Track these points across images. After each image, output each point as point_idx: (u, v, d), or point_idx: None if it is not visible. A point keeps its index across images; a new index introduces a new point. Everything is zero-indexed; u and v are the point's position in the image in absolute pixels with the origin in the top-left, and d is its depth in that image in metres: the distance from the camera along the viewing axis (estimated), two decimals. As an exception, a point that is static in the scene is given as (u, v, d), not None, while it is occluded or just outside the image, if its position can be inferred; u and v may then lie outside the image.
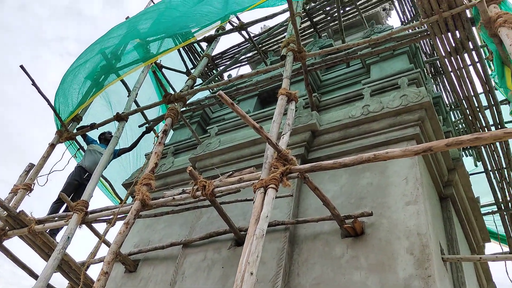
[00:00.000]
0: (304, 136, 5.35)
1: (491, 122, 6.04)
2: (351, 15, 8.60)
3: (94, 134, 7.36)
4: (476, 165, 9.71)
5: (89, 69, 7.12)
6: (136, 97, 7.52)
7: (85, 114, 6.98)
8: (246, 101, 7.29)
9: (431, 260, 3.59)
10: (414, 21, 8.85)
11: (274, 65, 5.13)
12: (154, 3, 9.64)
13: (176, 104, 5.67)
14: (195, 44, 9.03)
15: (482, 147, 8.21)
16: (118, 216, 4.75)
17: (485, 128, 6.40)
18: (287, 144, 4.04)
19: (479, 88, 5.69)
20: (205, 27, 6.07)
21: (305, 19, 8.30)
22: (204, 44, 8.14)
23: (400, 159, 4.61)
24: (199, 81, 8.30)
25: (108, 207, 4.94)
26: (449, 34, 4.80)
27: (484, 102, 6.55)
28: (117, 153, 6.94)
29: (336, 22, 7.87)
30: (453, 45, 4.76)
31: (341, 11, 7.95)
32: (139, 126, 7.22)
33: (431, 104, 4.81)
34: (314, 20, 8.32)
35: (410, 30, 4.97)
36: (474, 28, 4.66)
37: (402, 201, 4.20)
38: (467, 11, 4.63)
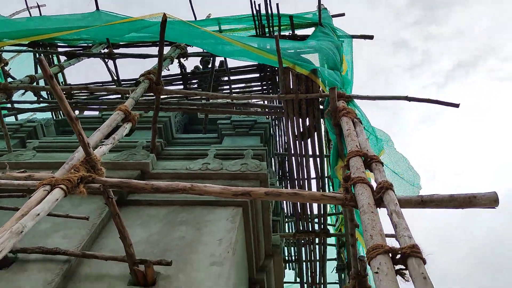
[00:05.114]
0: (131, 174, 4.78)
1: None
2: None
3: None
4: (295, 280, 9.95)
5: None
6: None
7: None
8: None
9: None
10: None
11: (124, 87, 4.70)
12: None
13: (-4, 92, 4.76)
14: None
15: (304, 262, 8.43)
16: None
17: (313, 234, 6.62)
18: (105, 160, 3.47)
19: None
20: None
21: (180, 82, 8.24)
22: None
23: (220, 221, 4.31)
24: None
25: None
26: (300, 120, 5.01)
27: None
28: None
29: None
30: (301, 130, 4.93)
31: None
32: None
33: (267, 178, 4.73)
34: (190, 87, 8.29)
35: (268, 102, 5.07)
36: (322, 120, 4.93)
37: (208, 260, 3.76)
38: (320, 105, 4.94)
